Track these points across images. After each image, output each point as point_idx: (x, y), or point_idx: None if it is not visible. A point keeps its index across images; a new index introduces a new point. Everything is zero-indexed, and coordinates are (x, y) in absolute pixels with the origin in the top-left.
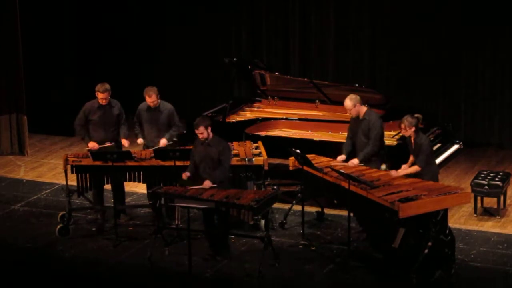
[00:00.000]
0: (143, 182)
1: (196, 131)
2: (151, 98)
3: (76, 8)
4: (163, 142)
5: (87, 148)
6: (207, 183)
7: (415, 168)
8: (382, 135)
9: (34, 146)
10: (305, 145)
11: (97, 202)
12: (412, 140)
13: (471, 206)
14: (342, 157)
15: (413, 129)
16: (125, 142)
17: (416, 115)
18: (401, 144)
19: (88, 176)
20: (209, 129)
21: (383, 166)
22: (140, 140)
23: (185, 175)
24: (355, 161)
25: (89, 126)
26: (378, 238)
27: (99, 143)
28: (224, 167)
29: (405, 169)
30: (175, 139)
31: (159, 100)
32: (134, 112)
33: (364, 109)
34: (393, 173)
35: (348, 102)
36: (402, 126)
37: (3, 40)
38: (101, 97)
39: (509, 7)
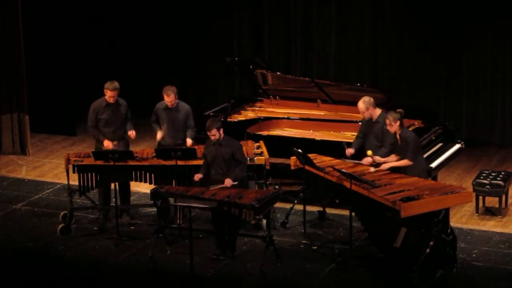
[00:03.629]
0: (145, 182)
1: (209, 133)
2: (169, 97)
3: (77, 7)
4: (189, 142)
5: (103, 147)
6: (228, 181)
7: (405, 161)
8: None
9: (36, 145)
10: (306, 145)
11: (103, 202)
12: (398, 136)
13: (472, 206)
14: (351, 150)
15: (398, 123)
16: (131, 134)
17: (398, 110)
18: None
19: (89, 175)
20: (221, 130)
21: (369, 152)
22: (159, 134)
23: (197, 176)
24: (369, 159)
25: (98, 125)
26: (379, 237)
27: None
28: (243, 164)
29: (394, 161)
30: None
31: (177, 100)
32: (137, 111)
33: (378, 111)
34: (384, 166)
35: (361, 104)
36: (387, 122)
37: (5, 40)
38: (110, 95)
39: (510, 6)
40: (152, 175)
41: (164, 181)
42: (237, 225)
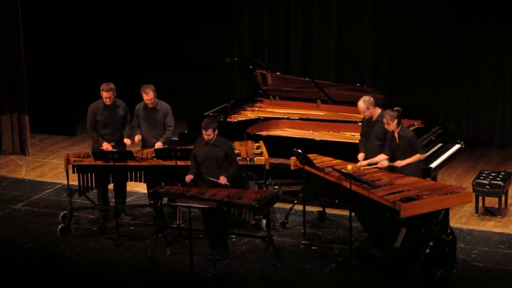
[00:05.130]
0: (145, 182)
1: (204, 132)
2: (148, 95)
3: (77, 8)
4: (158, 145)
5: (102, 148)
6: (223, 179)
7: (417, 156)
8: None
9: (36, 145)
10: (306, 145)
11: (101, 202)
12: (396, 135)
13: (472, 206)
14: (362, 155)
15: (396, 121)
16: (127, 141)
17: (396, 108)
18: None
19: (89, 176)
20: (216, 131)
21: (385, 163)
22: (137, 137)
23: (189, 178)
24: (384, 163)
25: (96, 126)
26: (379, 237)
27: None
28: (236, 164)
29: (407, 159)
30: (175, 138)
31: (156, 99)
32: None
33: (377, 111)
34: (398, 163)
35: (362, 104)
36: (385, 120)
37: (4, 40)
38: (105, 96)
39: (509, 6)
40: (152, 175)
41: (164, 182)
42: (226, 223)
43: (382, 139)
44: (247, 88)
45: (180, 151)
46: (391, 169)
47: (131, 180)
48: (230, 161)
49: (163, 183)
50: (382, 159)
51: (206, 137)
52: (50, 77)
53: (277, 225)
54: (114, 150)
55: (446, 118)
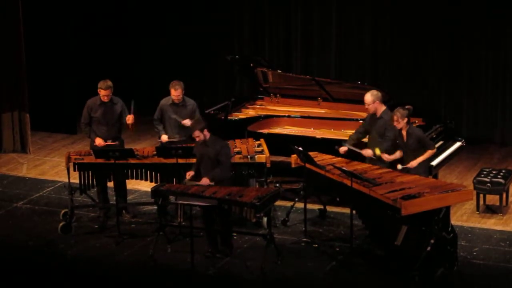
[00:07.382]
0: (146, 180)
1: (193, 135)
2: (177, 91)
3: (77, 6)
4: (185, 122)
5: (95, 144)
6: (205, 181)
7: (429, 152)
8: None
9: (36, 143)
10: (307, 143)
11: (101, 200)
12: (404, 133)
13: (473, 204)
14: (344, 148)
15: (406, 120)
16: (128, 118)
17: (407, 107)
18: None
19: (90, 174)
20: (205, 131)
21: (399, 166)
22: (164, 137)
23: (189, 174)
24: (369, 151)
25: (92, 123)
26: (380, 235)
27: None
28: (224, 166)
29: (419, 157)
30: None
31: (183, 96)
32: (138, 110)
33: (382, 107)
34: (412, 164)
35: (369, 97)
36: (395, 118)
37: (5, 38)
38: (104, 94)
39: (509, 5)
40: (153, 173)
41: (165, 179)
42: (229, 222)
43: (383, 135)
44: (248, 86)
45: (181, 149)
46: (406, 171)
47: (132, 178)
48: (220, 162)
49: (174, 180)
50: (400, 156)
51: (197, 139)
52: (50, 75)
53: (278, 223)
54: (111, 145)
55: (447, 115)
